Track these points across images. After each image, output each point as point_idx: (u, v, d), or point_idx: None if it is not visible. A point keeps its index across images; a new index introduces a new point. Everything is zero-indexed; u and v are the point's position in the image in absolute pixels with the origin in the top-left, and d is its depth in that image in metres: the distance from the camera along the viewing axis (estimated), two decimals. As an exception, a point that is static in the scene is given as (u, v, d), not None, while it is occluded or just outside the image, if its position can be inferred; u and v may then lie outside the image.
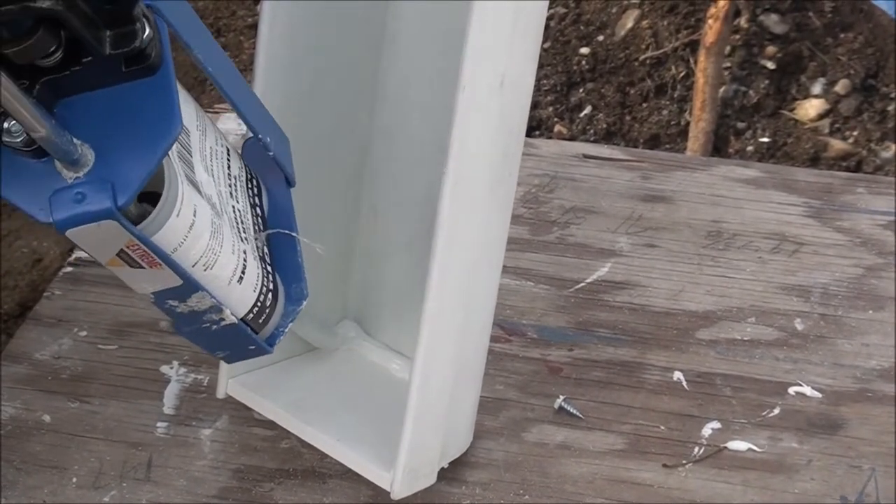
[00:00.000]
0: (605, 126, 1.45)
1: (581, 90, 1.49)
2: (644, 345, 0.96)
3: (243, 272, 0.59)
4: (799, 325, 0.97)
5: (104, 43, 0.48)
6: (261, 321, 0.62)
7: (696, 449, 0.88)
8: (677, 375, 0.93)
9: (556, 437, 0.89)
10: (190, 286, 0.55)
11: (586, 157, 1.14)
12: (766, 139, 1.42)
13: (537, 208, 1.08)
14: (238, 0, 1.63)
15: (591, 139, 1.43)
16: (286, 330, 0.64)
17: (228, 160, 0.61)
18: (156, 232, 0.52)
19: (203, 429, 0.90)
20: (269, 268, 0.63)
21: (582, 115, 1.47)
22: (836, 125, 1.43)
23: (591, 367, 0.94)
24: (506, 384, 0.93)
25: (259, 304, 0.61)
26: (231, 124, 1.12)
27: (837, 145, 1.41)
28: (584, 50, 1.52)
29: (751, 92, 1.46)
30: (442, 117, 0.71)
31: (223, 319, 0.58)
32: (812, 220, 1.07)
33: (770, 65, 1.48)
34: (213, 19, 1.60)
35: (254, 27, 1.57)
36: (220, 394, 0.89)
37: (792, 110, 1.45)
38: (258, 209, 0.64)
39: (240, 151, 0.64)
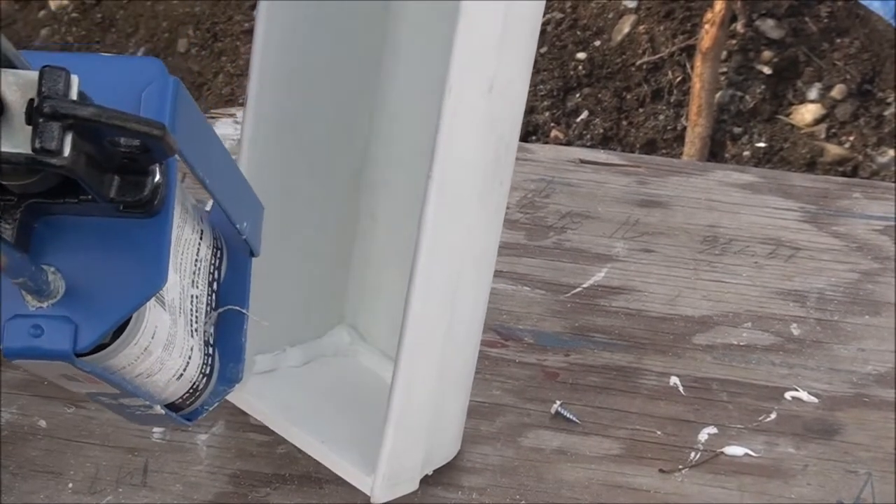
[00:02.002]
0: (601, 131, 1.45)
1: (578, 95, 1.49)
2: (640, 350, 0.96)
3: (184, 370, 0.56)
4: (795, 330, 0.97)
5: (109, 188, 0.44)
6: (187, 403, 0.59)
7: (693, 454, 0.88)
8: (674, 380, 0.93)
9: (552, 442, 0.89)
10: (126, 393, 0.52)
11: (583, 161, 1.14)
12: (762, 144, 1.42)
13: (533, 213, 1.08)
14: (235, 5, 1.63)
15: (588, 144, 1.43)
16: (210, 409, 0.60)
17: (199, 243, 0.57)
18: (106, 361, 0.48)
19: (199, 434, 0.89)
20: (210, 350, 0.59)
21: (578, 119, 1.47)
22: (833, 130, 1.43)
23: (587, 373, 0.94)
24: (502, 389, 0.93)
25: (190, 391, 0.58)
26: (228, 129, 1.12)
27: (834, 150, 1.41)
28: (581, 55, 1.52)
29: (747, 97, 1.46)
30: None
31: (150, 411, 0.56)
32: (808, 225, 1.07)
33: (766, 70, 1.48)
34: (210, 24, 1.60)
35: (251, 32, 1.57)
36: (216, 398, 0.89)
37: (788, 115, 1.45)
38: (215, 284, 0.60)
39: (208, 209, 0.60)
